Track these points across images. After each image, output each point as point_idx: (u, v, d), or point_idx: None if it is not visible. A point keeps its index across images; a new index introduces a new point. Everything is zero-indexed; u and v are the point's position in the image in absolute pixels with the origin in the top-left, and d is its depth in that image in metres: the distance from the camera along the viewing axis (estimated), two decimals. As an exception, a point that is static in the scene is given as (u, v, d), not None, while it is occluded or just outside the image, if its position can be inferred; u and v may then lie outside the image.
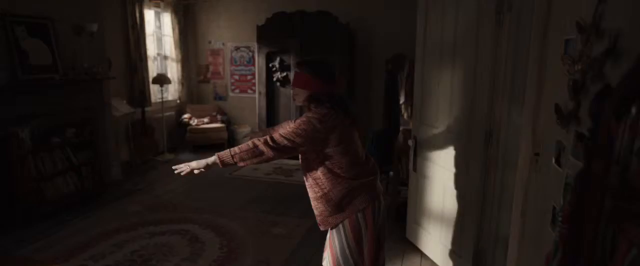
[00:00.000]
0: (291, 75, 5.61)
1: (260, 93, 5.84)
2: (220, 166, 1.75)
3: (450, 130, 2.64)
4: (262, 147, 1.68)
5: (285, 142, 1.68)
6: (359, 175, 1.81)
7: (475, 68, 2.38)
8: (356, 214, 1.79)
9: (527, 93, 1.54)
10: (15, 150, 3.47)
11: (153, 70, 6.04)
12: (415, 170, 3.03)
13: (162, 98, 5.89)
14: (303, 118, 1.74)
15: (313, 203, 1.89)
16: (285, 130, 1.76)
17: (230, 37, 6.61)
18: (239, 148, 1.72)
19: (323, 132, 1.71)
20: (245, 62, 6.60)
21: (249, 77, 6.62)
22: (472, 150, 2.44)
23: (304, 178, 1.90)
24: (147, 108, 5.62)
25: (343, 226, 1.82)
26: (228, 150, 1.74)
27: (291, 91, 1.93)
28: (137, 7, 5.47)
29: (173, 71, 6.50)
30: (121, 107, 5.13)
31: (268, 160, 1.71)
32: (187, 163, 1.84)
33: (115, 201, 4.09)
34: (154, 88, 5.93)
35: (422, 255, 3.02)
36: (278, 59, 5.64)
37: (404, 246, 3.15)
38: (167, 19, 6.34)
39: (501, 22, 2.22)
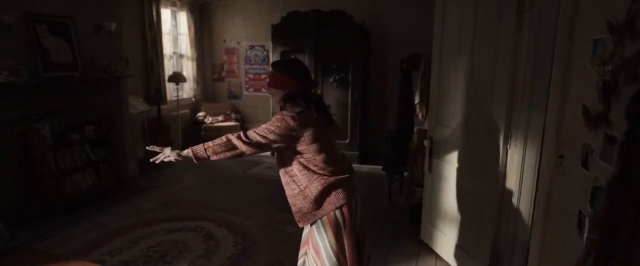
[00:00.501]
0: (305, 74, 5.61)
1: (274, 92, 5.85)
2: (194, 160, 1.77)
3: (467, 130, 2.60)
4: (235, 141, 1.72)
5: (258, 137, 1.72)
6: (335, 173, 1.84)
7: (494, 68, 2.34)
8: (334, 211, 1.81)
9: (550, 94, 1.51)
10: (36, 146, 3.55)
11: (169, 69, 6.12)
12: (430, 170, 3.00)
13: (177, 96, 5.96)
14: (277, 116, 1.77)
15: (291, 201, 1.92)
16: (259, 127, 1.80)
17: (245, 36, 6.64)
18: (213, 143, 1.76)
19: (297, 130, 1.73)
20: (259, 61, 6.63)
21: (263, 76, 6.65)
22: (490, 151, 2.40)
23: (281, 176, 1.93)
24: (162, 106, 5.69)
25: (322, 224, 1.84)
26: (202, 144, 1.77)
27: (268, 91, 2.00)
28: (154, 6, 5.53)
29: (188, 69, 6.56)
30: (138, 105, 5.20)
31: (242, 154, 1.74)
32: (163, 150, 1.86)
33: (132, 198, 4.15)
34: (170, 87, 6.00)
35: (437, 256, 2.99)
36: (292, 57, 5.64)
37: (419, 247, 3.13)
38: (183, 17, 6.40)
39: (522, 22, 2.18)
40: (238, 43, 6.72)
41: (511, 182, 2.33)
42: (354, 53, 5.38)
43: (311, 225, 1.89)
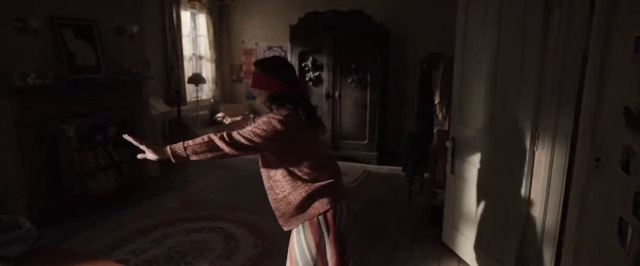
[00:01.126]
0: (324, 75, 5.60)
1: (292, 92, 5.84)
2: (172, 159, 1.62)
3: (491, 131, 2.53)
4: (217, 141, 1.60)
5: (242, 140, 1.61)
6: (320, 178, 1.76)
7: (521, 67, 2.27)
8: (317, 217, 1.74)
9: (585, 94, 1.45)
10: (62, 147, 3.63)
11: (189, 70, 6.19)
12: (452, 172, 2.94)
13: (197, 97, 6.02)
14: (264, 119, 1.68)
15: (274, 205, 1.84)
16: (244, 128, 1.68)
17: (263, 37, 6.67)
18: (193, 141, 1.62)
19: (284, 134, 1.64)
20: (277, 62, 6.63)
21: (281, 77, 6.65)
22: (516, 152, 2.34)
23: (264, 180, 1.84)
24: (182, 107, 5.76)
25: (303, 229, 1.77)
26: (181, 142, 1.63)
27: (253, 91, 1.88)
28: (175, 8, 5.61)
29: (207, 71, 6.63)
30: (159, 106, 5.28)
31: (224, 156, 1.62)
32: (141, 143, 1.66)
33: (153, 198, 4.21)
34: (190, 88, 6.07)
35: (460, 260, 2.93)
36: (311, 58, 5.63)
37: (440, 250, 3.07)
38: (202, 19, 6.47)
39: (550, 19, 2.11)
40: (256, 44, 6.75)
41: (538, 185, 2.26)
42: (373, 53, 5.34)
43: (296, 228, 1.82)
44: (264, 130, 1.62)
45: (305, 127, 1.73)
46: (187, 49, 6.15)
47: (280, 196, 1.77)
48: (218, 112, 6.64)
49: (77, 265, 2.03)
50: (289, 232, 1.88)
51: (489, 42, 2.49)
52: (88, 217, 3.65)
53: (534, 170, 2.27)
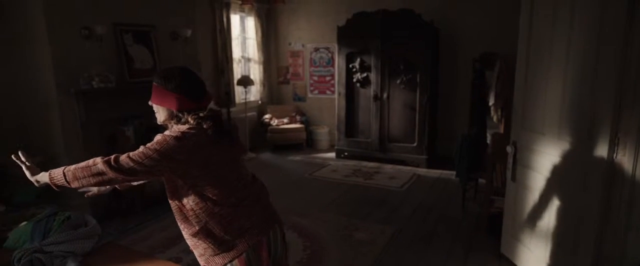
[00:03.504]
0: (371, 76, 5.50)
1: (339, 94, 5.80)
2: (53, 186, 1.46)
3: (561, 136, 2.33)
4: (101, 166, 1.36)
5: (131, 163, 1.35)
6: (242, 201, 1.51)
7: (596, 62, 2.07)
8: (246, 252, 1.48)
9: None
10: (122, 146, 3.81)
11: (237, 72, 6.32)
12: (514, 179, 2.75)
13: (245, 99, 6.13)
14: (158, 137, 1.41)
15: (191, 242, 1.53)
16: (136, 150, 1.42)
17: (310, 39, 6.68)
18: (75, 166, 1.42)
19: (184, 152, 1.38)
20: (324, 63, 6.62)
21: (327, 78, 6.64)
22: (591, 160, 2.12)
23: (174, 213, 1.54)
24: (231, 109, 5.89)
25: None
26: (62, 167, 1.44)
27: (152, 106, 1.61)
28: (225, 12, 5.75)
29: (255, 73, 6.74)
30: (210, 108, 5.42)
31: (110, 181, 1.40)
32: (24, 168, 1.55)
33: (204, 197, 4.31)
34: (238, 90, 6.19)
35: (522, 273, 2.73)
36: (358, 59, 5.56)
37: (499, 262, 2.89)
38: (250, 23, 6.59)
39: (634, 12, 1.89)
40: (303, 46, 6.78)
41: (617, 197, 2.04)
42: (423, 53, 5.16)
43: None
44: (157, 150, 1.36)
45: (212, 145, 1.45)
46: (236, 52, 6.29)
47: (197, 228, 1.47)
48: (265, 114, 6.73)
49: (137, 263, 2.10)
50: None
51: (558, 39, 2.30)
52: (144, 215, 3.80)
53: (612, 180, 2.05)
